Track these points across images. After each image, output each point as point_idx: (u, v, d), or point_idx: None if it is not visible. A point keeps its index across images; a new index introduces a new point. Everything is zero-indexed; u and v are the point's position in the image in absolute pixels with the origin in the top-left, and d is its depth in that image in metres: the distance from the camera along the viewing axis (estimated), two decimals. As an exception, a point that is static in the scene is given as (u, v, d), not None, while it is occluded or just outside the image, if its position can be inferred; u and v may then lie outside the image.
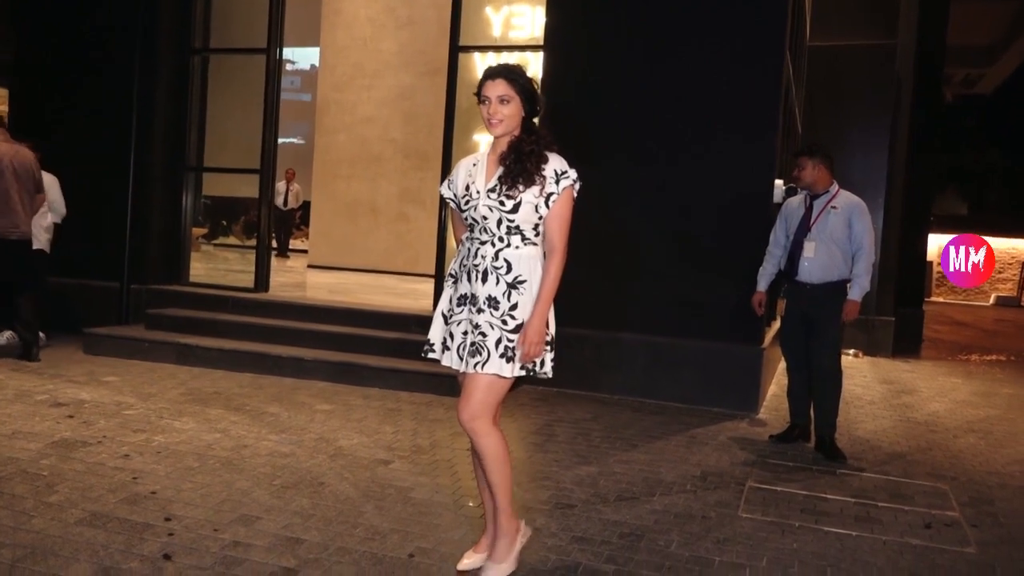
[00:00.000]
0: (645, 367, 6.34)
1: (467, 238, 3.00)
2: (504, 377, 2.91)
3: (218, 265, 10.41)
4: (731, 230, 6.16)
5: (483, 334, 2.89)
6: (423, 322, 6.79)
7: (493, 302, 2.89)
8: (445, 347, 3.03)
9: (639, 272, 6.38)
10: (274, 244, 12.11)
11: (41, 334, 6.96)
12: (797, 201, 5.28)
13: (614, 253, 6.43)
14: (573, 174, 2.90)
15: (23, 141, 6.86)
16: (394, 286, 9.23)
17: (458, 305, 2.98)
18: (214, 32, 8.16)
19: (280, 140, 7.88)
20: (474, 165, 3.01)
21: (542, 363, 2.94)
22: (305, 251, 14.05)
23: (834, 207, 5.05)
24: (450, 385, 6.00)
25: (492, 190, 2.89)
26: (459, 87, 7.34)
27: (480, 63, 9.67)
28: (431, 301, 7.22)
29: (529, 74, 2.95)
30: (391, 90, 11.65)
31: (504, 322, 2.88)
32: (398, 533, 3.34)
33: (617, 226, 6.42)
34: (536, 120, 2.98)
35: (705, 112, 6.24)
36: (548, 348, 2.96)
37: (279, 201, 13.83)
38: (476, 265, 2.93)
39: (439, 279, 7.23)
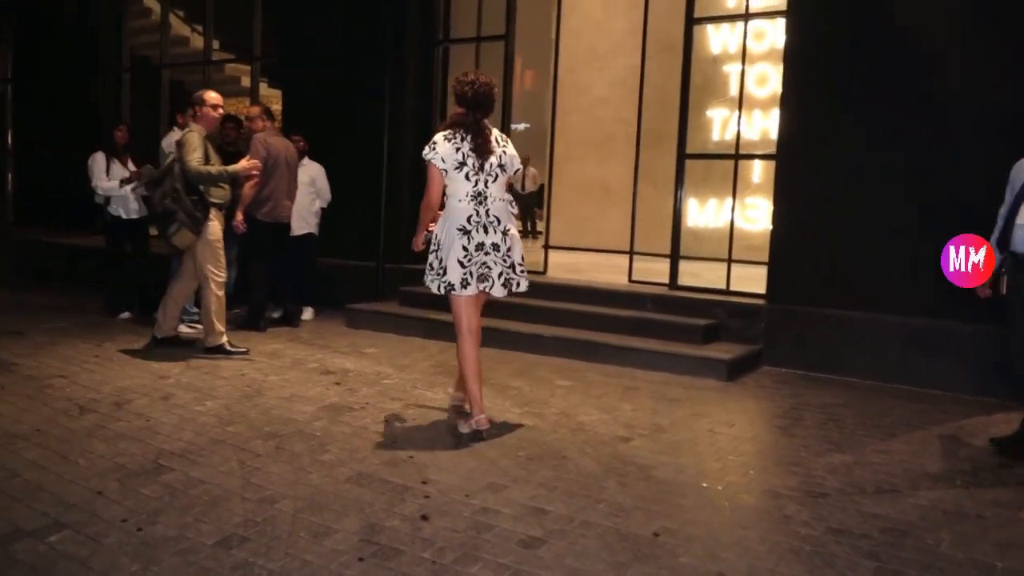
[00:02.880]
0: (900, 350, 5.85)
1: None
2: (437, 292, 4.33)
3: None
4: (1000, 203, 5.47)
5: None
6: (659, 300, 6.74)
7: None
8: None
9: (895, 247, 5.87)
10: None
11: (310, 308, 7.72)
12: None
13: (866, 228, 5.97)
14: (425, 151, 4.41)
15: (293, 135, 7.63)
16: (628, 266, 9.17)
17: None
18: (454, 23, 8.56)
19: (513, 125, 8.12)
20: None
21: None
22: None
23: None
24: (688, 365, 5.90)
25: None
26: (693, 62, 7.14)
27: (714, 36, 9.35)
28: (666, 280, 7.12)
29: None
30: (623, 70, 11.56)
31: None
32: (641, 511, 3.33)
33: (869, 199, 5.95)
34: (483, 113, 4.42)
35: (976, 71, 5.57)
36: (430, 270, 4.33)
37: (517, 186, 14.28)
38: None
39: (675, 259, 7.12)
